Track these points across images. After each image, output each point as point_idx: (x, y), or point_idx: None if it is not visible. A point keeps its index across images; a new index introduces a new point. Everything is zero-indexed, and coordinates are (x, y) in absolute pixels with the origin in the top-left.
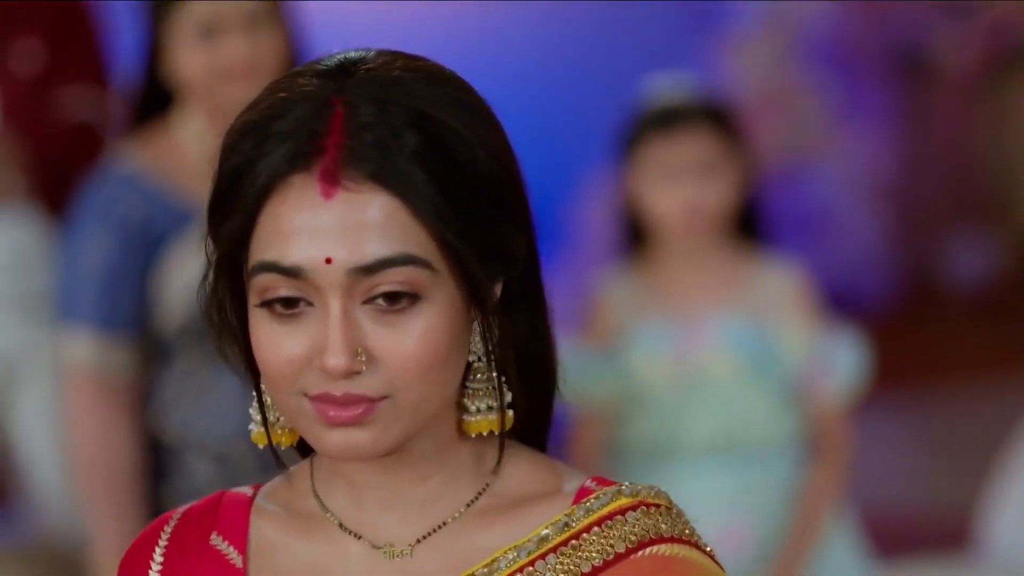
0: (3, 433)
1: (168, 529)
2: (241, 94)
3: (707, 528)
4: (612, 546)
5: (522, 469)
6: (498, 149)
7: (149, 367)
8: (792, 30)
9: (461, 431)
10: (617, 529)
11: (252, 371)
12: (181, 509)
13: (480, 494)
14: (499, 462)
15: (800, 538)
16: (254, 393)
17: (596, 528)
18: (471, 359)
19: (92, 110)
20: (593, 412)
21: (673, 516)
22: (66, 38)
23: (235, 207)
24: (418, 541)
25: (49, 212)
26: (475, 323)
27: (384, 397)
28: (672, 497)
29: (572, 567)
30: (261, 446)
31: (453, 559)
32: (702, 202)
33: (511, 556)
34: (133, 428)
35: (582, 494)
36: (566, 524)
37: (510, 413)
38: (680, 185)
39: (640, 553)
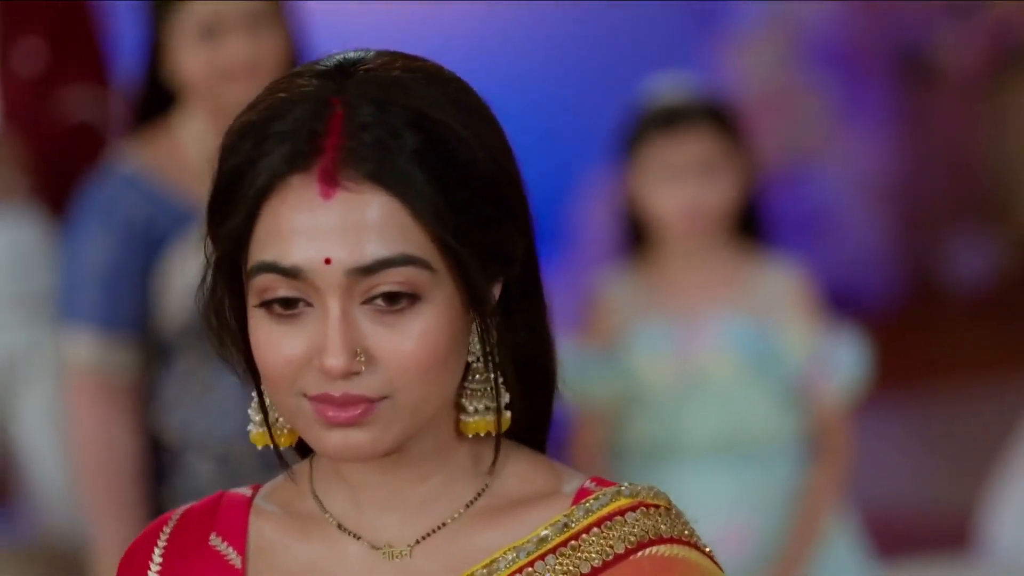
0: (4, 433)
1: (167, 530)
2: (242, 94)
3: (708, 528)
4: (612, 547)
5: (521, 470)
6: (497, 150)
7: (150, 367)
8: (793, 30)
9: (460, 432)
10: (617, 530)
11: (251, 372)
12: (180, 510)
13: (479, 495)
14: (494, 463)
15: (801, 538)
16: (253, 394)
17: (596, 529)
18: (470, 360)
19: (93, 110)
20: (594, 412)
21: (672, 517)
22: (68, 38)
23: (234, 207)
24: (417, 542)
25: (50, 212)
26: (474, 324)
27: (383, 397)
28: (673, 497)
29: (572, 568)
30: (260, 447)
31: (452, 560)
32: (703, 202)
33: (510, 557)
34: (134, 428)
35: (581, 495)
36: (565, 525)
37: (508, 414)
38: (681, 185)
39: (640, 554)
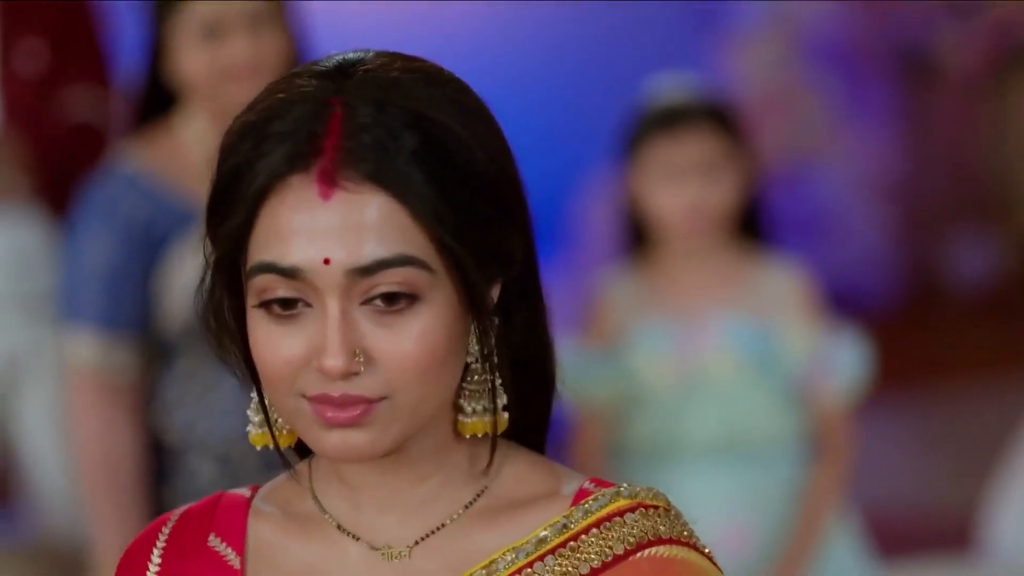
0: (6, 433)
1: (166, 531)
2: (244, 94)
3: (709, 528)
4: (611, 547)
5: (520, 471)
6: (496, 150)
7: (151, 367)
8: (794, 30)
9: (458, 432)
10: (616, 531)
11: (250, 372)
12: (179, 510)
13: (478, 495)
14: (490, 463)
15: (802, 538)
16: (252, 394)
17: (595, 530)
18: (469, 360)
19: (95, 110)
20: (594, 412)
21: (671, 518)
22: (69, 38)
23: (233, 208)
24: (416, 543)
25: (51, 212)
26: (473, 324)
27: (382, 398)
28: (674, 497)
29: (571, 568)
30: (259, 447)
31: (452, 560)
32: (704, 202)
33: (510, 557)
34: (135, 428)
35: (580, 496)
36: (565, 526)
37: (505, 415)
38: (683, 185)
39: (639, 555)
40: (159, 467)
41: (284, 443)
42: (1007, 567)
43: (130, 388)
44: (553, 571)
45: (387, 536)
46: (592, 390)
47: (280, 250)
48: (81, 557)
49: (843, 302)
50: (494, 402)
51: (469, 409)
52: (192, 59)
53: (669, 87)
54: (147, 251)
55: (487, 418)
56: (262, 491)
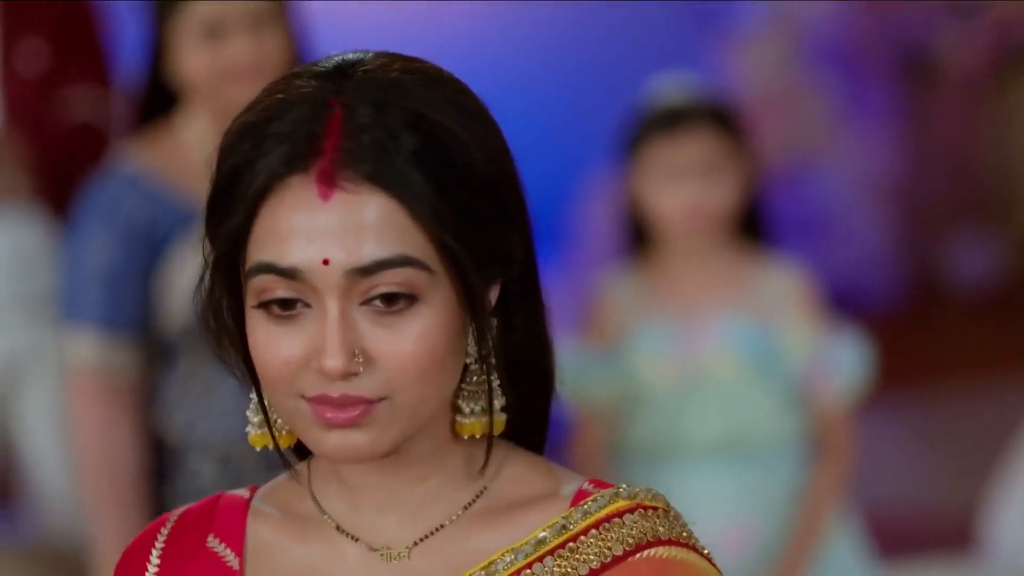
0: (7, 433)
1: (165, 531)
2: (245, 94)
3: (709, 528)
4: (610, 549)
5: (519, 472)
6: (496, 151)
7: (152, 367)
8: (795, 30)
9: (456, 433)
10: (615, 532)
11: (250, 373)
12: (178, 511)
13: (477, 496)
14: (485, 464)
15: (803, 538)
16: (252, 395)
17: (594, 531)
18: (468, 361)
19: (96, 110)
20: (595, 412)
21: (671, 519)
22: (70, 39)
23: (233, 208)
24: (415, 543)
25: (52, 212)
26: (471, 325)
27: (382, 398)
28: (674, 497)
29: (570, 570)
30: (258, 448)
31: (451, 561)
32: (705, 202)
33: (508, 559)
34: (136, 428)
35: (579, 497)
36: (563, 527)
37: (503, 416)
38: (684, 185)
39: (638, 556)
40: (160, 467)
41: (284, 444)
42: (1008, 567)
43: (131, 388)
44: (552, 572)
45: (386, 537)
46: (593, 390)
47: (279, 250)
48: (82, 557)
49: (844, 302)
50: (491, 403)
51: (467, 410)
52: (193, 59)
53: (670, 87)
54: (148, 251)
55: (486, 419)
56: (261, 492)
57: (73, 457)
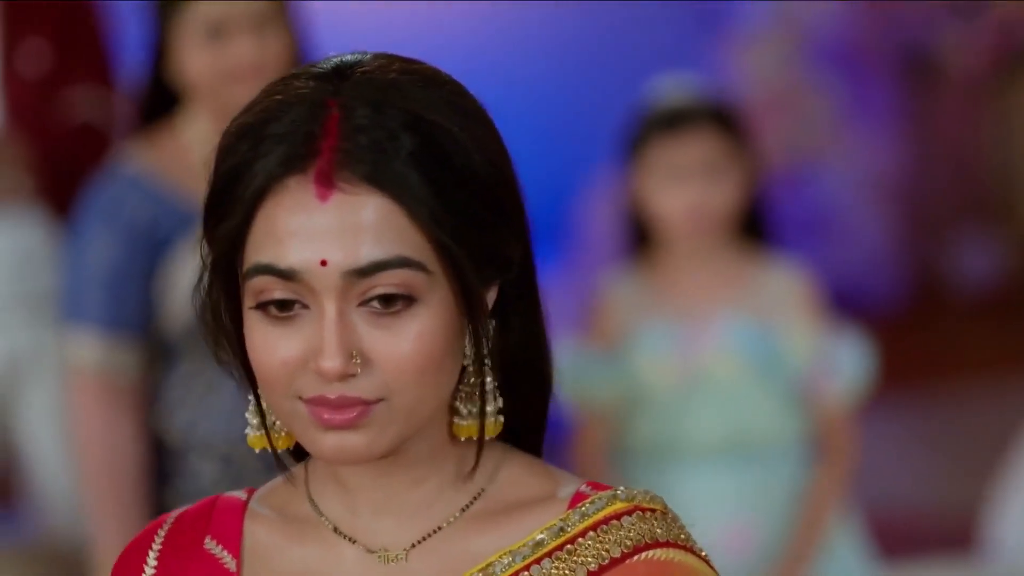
0: (8, 433)
1: (162, 533)
2: (247, 95)
3: (711, 529)
4: (608, 551)
5: (517, 474)
6: (494, 152)
7: (154, 368)
8: (797, 30)
9: (454, 435)
10: (612, 534)
11: (247, 374)
12: (175, 513)
13: (475, 499)
14: (475, 466)
15: (804, 539)
16: (250, 397)
17: (591, 533)
18: (465, 363)
19: (98, 111)
20: (596, 413)
21: (668, 521)
22: (72, 39)
23: (230, 209)
24: (413, 546)
25: (54, 212)
26: (468, 327)
27: (379, 400)
28: (676, 498)
29: (568, 572)
30: (257, 450)
31: (448, 564)
32: (707, 203)
33: (506, 561)
34: (137, 429)
35: (577, 499)
36: (561, 529)
37: (500, 418)
38: (685, 186)
39: (636, 557)
40: (161, 468)
41: (282, 445)
42: (1009, 568)
43: (132, 389)
44: (550, 574)
45: (383, 539)
46: (594, 391)
47: (277, 252)
48: (82, 557)
49: (845, 303)
50: (482, 405)
51: (465, 411)
52: (196, 59)
53: (672, 88)
54: (150, 252)
55: (485, 420)
56: (258, 493)
57: (74, 457)
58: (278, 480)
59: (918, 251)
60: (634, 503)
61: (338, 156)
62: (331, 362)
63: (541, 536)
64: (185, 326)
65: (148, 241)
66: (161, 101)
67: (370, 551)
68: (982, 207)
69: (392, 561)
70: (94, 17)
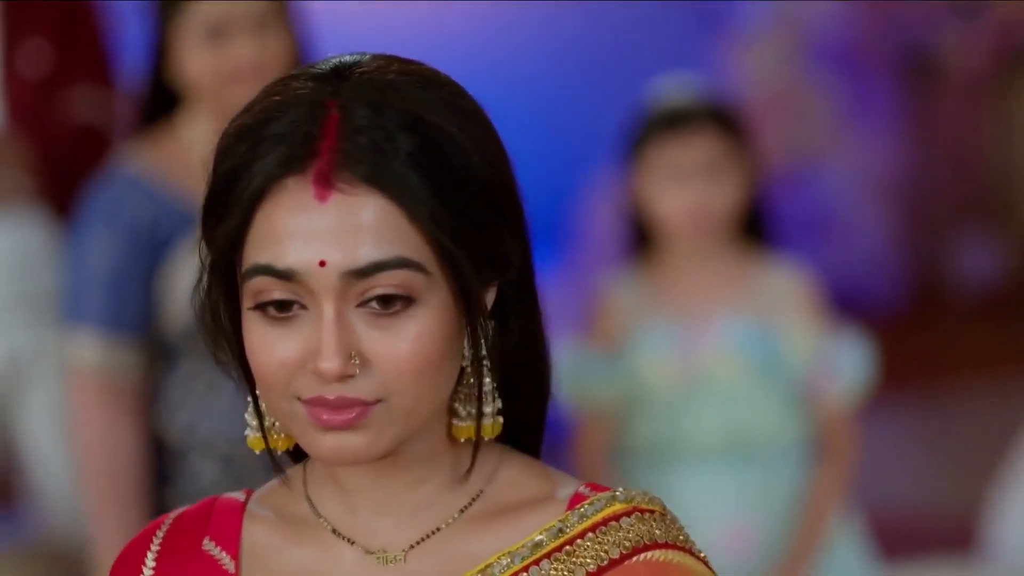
0: (8, 433)
1: (160, 534)
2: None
3: (711, 530)
4: (606, 552)
5: (515, 475)
6: (493, 153)
7: (154, 368)
8: (798, 30)
9: (453, 436)
10: (611, 535)
11: (246, 375)
12: (173, 514)
13: (474, 500)
14: (471, 468)
15: (805, 540)
16: (248, 399)
17: (590, 534)
18: (464, 364)
19: (98, 111)
20: (597, 413)
21: (667, 522)
22: (72, 39)
23: (229, 210)
24: (412, 547)
25: (55, 213)
26: (467, 327)
27: (378, 400)
28: (676, 498)
29: (566, 573)
30: (258, 451)
31: (447, 565)
32: (708, 203)
33: (505, 562)
34: (138, 429)
35: (576, 500)
36: (560, 530)
37: (499, 419)
38: (686, 186)
39: (634, 559)
40: (161, 468)
41: (282, 446)
42: (1009, 568)
43: (133, 389)
44: (548, 575)
45: (382, 540)
46: (594, 391)
47: (276, 252)
48: (82, 558)
49: (846, 303)
50: (479, 406)
51: (464, 413)
52: (196, 60)
53: (672, 88)
54: (150, 252)
55: (484, 422)
56: (256, 495)
57: (74, 458)
58: (276, 481)
59: (918, 251)
60: (633, 504)
61: (337, 157)
62: (330, 363)
63: (540, 537)
64: (185, 326)
65: (149, 242)
66: (161, 102)
67: (369, 552)
68: (982, 207)
69: (391, 562)
70: (94, 17)
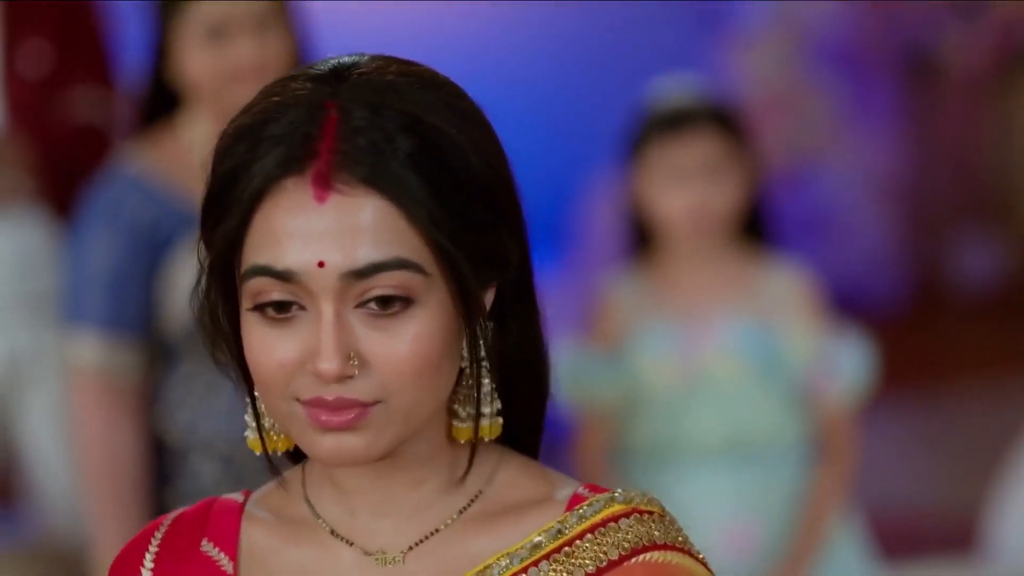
0: (9, 434)
1: (159, 535)
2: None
3: (712, 530)
4: (605, 553)
5: (514, 476)
6: (491, 154)
7: (154, 369)
8: (798, 31)
9: (452, 437)
10: (610, 536)
11: (245, 376)
12: (172, 515)
13: (472, 501)
14: (468, 470)
15: (805, 540)
16: (247, 400)
17: (589, 535)
18: (463, 365)
19: (98, 111)
20: (597, 414)
21: (666, 523)
22: (72, 40)
23: (228, 211)
24: (410, 548)
25: (55, 213)
26: (466, 328)
27: (377, 402)
28: (677, 499)
29: (565, 574)
30: (258, 452)
31: (446, 566)
32: (708, 204)
33: (504, 563)
34: (138, 429)
35: (575, 501)
36: (559, 531)
37: (499, 420)
38: (687, 187)
39: (633, 560)
40: (161, 468)
41: (281, 447)
42: (1009, 568)
43: (133, 389)
44: None
45: (381, 541)
46: (595, 392)
47: (275, 253)
48: (82, 557)
49: (846, 303)
50: (477, 407)
51: (463, 414)
52: (197, 60)
53: (672, 88)
54: (151, 253)
55: (483, 423)
56: (255, 496)
57: (75, 458)
58: (275, 482)
59: (918, 251)
60: (632, 505)
61: (336, 158)
62: (328, 364)
63: (539, 538)
64: (185, 327)
65: (149, 242)
66: (162, 102)
67: (367, 553)
68: (982, 207)
69: (390, 563)
70: (94, 17)
